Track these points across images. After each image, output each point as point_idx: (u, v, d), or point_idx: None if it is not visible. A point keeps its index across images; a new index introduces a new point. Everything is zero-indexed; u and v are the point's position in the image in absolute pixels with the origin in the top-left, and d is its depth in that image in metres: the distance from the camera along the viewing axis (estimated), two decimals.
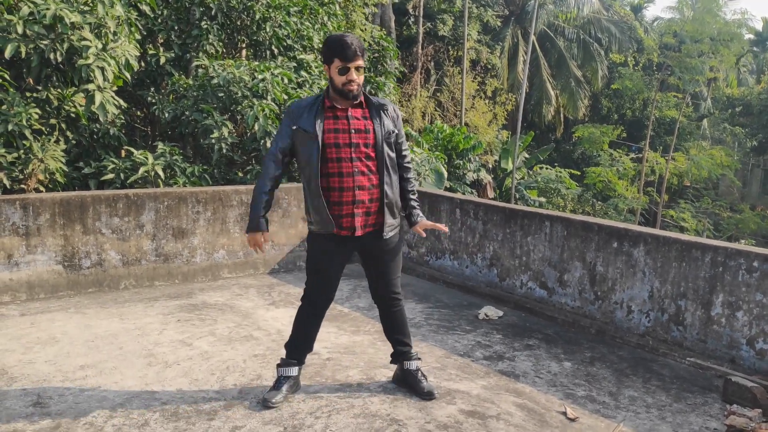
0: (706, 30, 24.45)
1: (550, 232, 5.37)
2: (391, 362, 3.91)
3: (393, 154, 3.55)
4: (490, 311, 5.37)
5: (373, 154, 3.46)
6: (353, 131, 3.43)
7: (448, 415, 3.56)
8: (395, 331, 3.81)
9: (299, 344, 3.76)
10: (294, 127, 3.45)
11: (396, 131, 3.55)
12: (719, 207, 27.05)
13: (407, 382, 3.82)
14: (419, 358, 3.87)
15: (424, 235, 3.83)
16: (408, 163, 3.69)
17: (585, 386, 4.03)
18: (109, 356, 4.20)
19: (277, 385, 3.67)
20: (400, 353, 3.82)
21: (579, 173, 25.64)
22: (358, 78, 3.35)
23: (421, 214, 3.70)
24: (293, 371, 3.73)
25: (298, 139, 3.45)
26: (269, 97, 7.47)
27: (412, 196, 3.70)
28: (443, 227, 3.77)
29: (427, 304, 5.66)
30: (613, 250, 4.92)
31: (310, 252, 3.67)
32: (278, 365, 3.75)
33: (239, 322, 4.97)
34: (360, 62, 3.34)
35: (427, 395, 3.71)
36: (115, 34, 6.47)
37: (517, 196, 21.75)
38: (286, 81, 7.86)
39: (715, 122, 32.24)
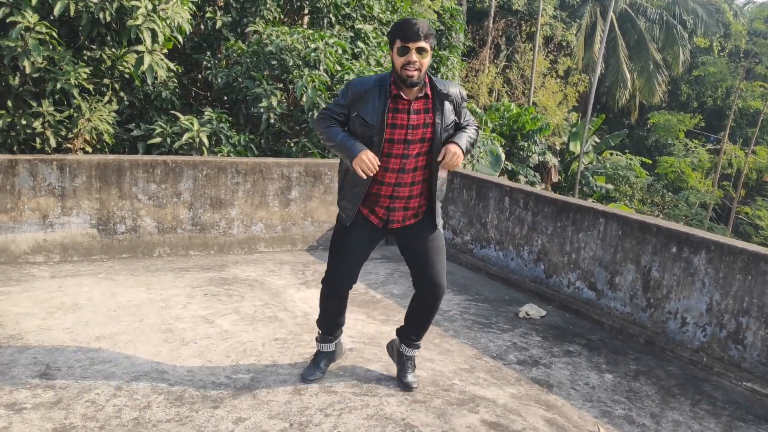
0: None
1: (604, 230, 4.97)
2: (397, 334, 3.73)
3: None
4: (532, 310, 5.04)
5: (427, 149, 3.23)
6: (411, 127, 3.19)
7: (468, 425, 3.28)
8: (419, 322, 3.56)
9: (326, 322, 3.61)
10: (354, 114, 3.19)
11: (456, 120, 3.29)
12: None
13: (397, 363, 3.70)
14: (419, 346, 3.67)
15: (446, 158, 3.21)
16: (470, 124, 3.38)
17: (625, 404, 3.68)
18: (128, 328, 4.09)
19: (315, 361, 3.63)
20: (406, 336, 3.63)
21: (651, 162, 24.55)
22: (419, 61, 3.07)
23: (461, 142, 3.22)
24: (330, 347, 3.65)
25: (355, 125, 3.20)
26: (321, 68, 7.22)
27: (465, 132, 3.30)
28: (453, 164, 3.21)
29: (465, 296, 5.36)
30: (672, 255, 4.49)
31: (335, 230, 3.49)
32: (316, 339, 3.66)
33: (267, 300, 4.80)
34: (422, 44, 3.06)
35: (405, 386, 3.59)
36: None
37: (583, 181, 20.97)
38: (340, 51, 7.59)
39: None
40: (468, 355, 4.15)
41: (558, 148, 23.04)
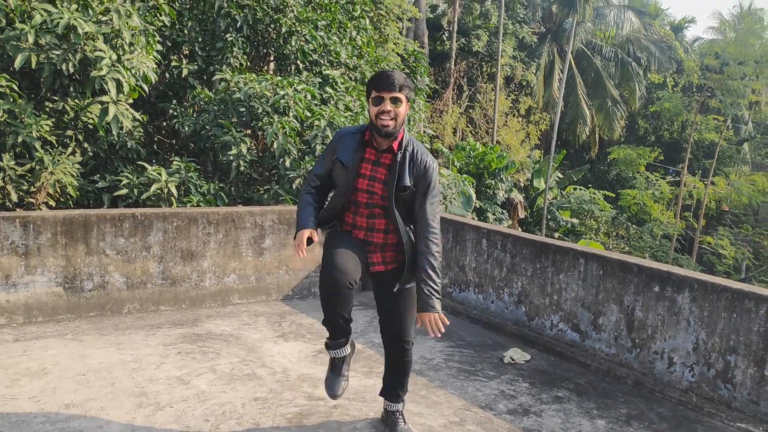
0: (749, 52, 23.66)
1: (585, 270, 4.93)
2: (380, 394, 3.65)
3: (413, 209, 3.22)
4: (516, 354, 4.94)
5: (383, 210, 3.22)
6: (372, 179, 3.19)
7: None
8: (396, 380, 3.54)
9: (331, 320, 3.26)
10: (334, 157, 3.24)
11: (413, 189, 3.16)
12: (759, 234, 26.04)
13: (386, 422, 3.61)
14: (403, 401, 3.60)
15: (428, 330, 3.16)
16: (432, 231, 3.17)
17: None
18: (99, 393, 3.87)
19: (334, 369, 3.38)
20: (388, 395, 3.59)
21: (614, 195, 24.94)
22: (393, 110, 3.05)
23: (432, 304, 3.12)
24: (345, 350, 3.37)
25: (336, 168, 3.25)
26: (291, 114, 7.15)
27: (426, 277, 3.14)
28: (437, 332, 3.14)
29: (448, 342, 5.25)
30: (654, 294, 4.46)
31: (326, 241, 3.33)
32: (327, 347, 3.36)
33: (243, 357, 4.62)
34: (397, 94, 3.05)
35: None
36: (131, 45, 6.22)
37: (549, 216, 21.17)
38: (309, 97, 7.55)
39: (757, 146, 31.20)
40: (456, 406, 4.02)
41: (522, 184, 23.29)
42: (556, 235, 20.87)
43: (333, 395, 3.36)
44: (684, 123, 29.08)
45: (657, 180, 24.90)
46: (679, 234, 24.81)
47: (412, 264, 3.24)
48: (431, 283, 3.14)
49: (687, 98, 28.75)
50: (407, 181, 3.15)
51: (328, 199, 3.36)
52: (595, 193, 23.22)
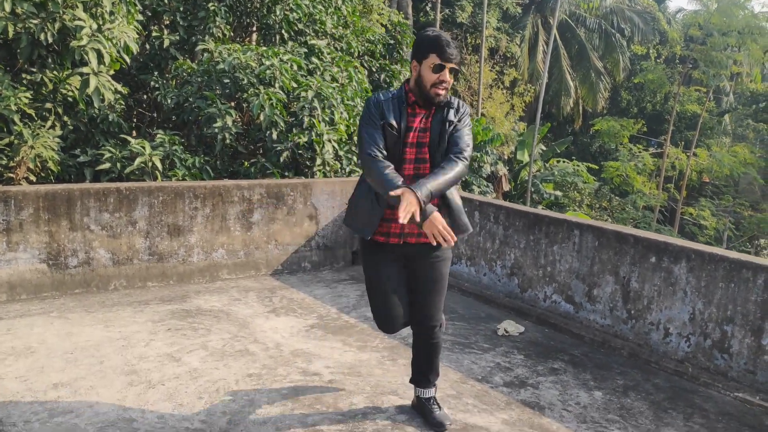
0: (733, 23, 23.62)
1: (579, 242, 4.89)
2: (410, 381, 3.52)
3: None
4: (510, 326, 4.91)
5: (428, 156, 3.06)
6: (419, 130, 3.07)
7: None
8: (425, 364, 3.38)
9: (415, 368, 3.44)
10: (382, 122, 3.03)
11: (455, 123, 3.06)
12: (740, 205, 26.30)
13: (420, 411, 3.45)
14: (435, 386, 3.46)
15: (433, 242, 2.87)
16: (459, 154, 2.99)
17: (619, 423, 3.56)
18: (88, 372, 3.77)
19: (430, 407, 3.40)
20: (419, 381, 3.45)
21: (597, 167, 24.98)
22: (449, 81, 2.98)
23: (427, 209, 2.83)
24: (431, 392, 3.45)
25: (387, 134, 3.04)
26: (277, 85, 7.00)
27: (437, 174, 2.91)
28: (450, 239, 2.85)
29: None
30: (651, 265, 4.42)
31: (363, 267, 3.32)
32: (417, 386, 3.46)
33: (235, 333, 4.54)
34: (457, 66, 2.98)
35: (438, 426, 3.33)
36: (111, 14, 6.02)
37: (533, 189, 21.17)
38: (295, 68, 7.39)
39: (738, 118, 31.38)
40: (453, 379, 3.98)
41: (507, 157, 23.24)
42: (540, 207, 20.90)
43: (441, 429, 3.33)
44: (667, 95, 29.11)
45: (640, 152, 24.94)
46: (661, 205, 24.96)
47: (452, 212, 3.14)
48: (436, 182, 2.86)
49: (670, 70, 28.75)
50: (452, 116, 3.04)
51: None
52: (578, 165, 23.24)
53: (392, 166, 2.94)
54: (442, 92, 2.97)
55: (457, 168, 2.95)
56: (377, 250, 3.19)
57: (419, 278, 3.22)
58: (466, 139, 3.04)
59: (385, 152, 3.00)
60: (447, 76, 2.95)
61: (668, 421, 3.62)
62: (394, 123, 3.01)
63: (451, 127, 3.04)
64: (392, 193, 2.73)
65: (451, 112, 3.06)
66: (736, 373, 3.99)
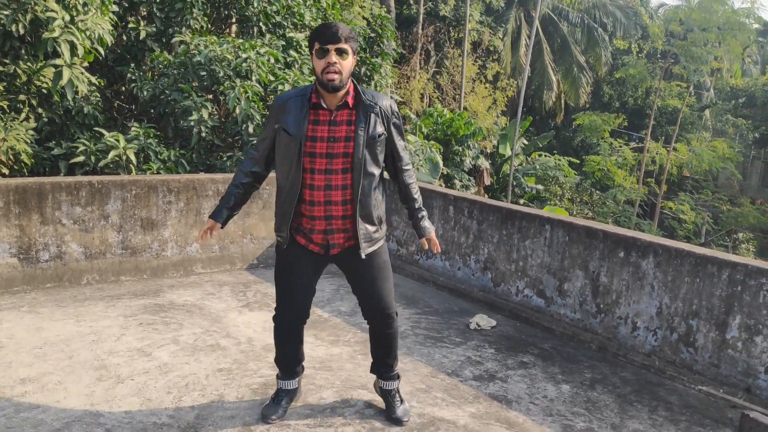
0: (713, 18, 23.82)
1: (551, 237, 4.93)
2: (371, 371, 3.52)
3: (381, 158, 3.07)
4: (483, 321, 4.95)
5: (350, 165, 2.98)
6: (332, 140, 2.96)
7: None
8: (383, 353, 3.39)
9: (282, 360, 3.40)
10: (277, 126, 3.01)
11: (384, 134, 3.05)
12: (719, 200, 26.59)
13: (384, 401, 3.47)
14: (398, 378, 3.46)
15: (426, 247, 3.43)
16: (406, 165, 3.27)
17: (585, 416, 3.61)
18: (57, 367, 3.76)
19: (276, 398, 3.38)
20: (380, 372, 3.44)
21: (578, 161, 25.12)
22: (339, 63, 2.86)
23: (428, 226, 3.35)
24: (292, 384, 3.43)
25: (280, 140, 3.01)
26: (253, 78, 6.97)
27: (415, 204, 3.34)
28: (437, 248, 3.40)
29: (415, 309, 5.23)
30: (619, 260, 4.48)
31: (276, 262, 3.28)
32: (277, 376, 3.43)
33: (207, 327, 4.54)
34: (343, 45, 2.86)
35: (396, 421, 3.35)
36: (84, 5, 5.96)
37: (515, 183, 21.26)
38: (272, 61, 7.36)
39: (718, 113, 31.68)
40: (423, 373, 4.01)
41: (489, 151, 23.31)
42: (521, 201, 21.02)
43: (264, 417, 3.29)
44: (648, 89, 29.30)
45: (620, 146, 25.11)
46: (641, 200, 25.16)
47: (367, 217, 3.07)
48: (424, 209, 3.38)
49: (651, 64, 28.93)
50: (379, 129, 3.01)
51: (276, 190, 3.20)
52: (560, 160, 23.36)
53: (244, 183, 3.25)
54: (335, 76, 2.86)
55: (414, 178, 3.36)
56: (298, 250, 3.15)
57: (360, 271, 3.18)
58: (403, 143, 3.23)
59: (261, 164, 3.19)
60: (333, 57, 2.86)
61: (633, 414, 3.67)
62: (291, 129, 2.96)
63: (383, 139, 3.05)
64: (209, 216, 3.38)
65: (378, 122, 3.02)
66: (701, 367, 4.06)
